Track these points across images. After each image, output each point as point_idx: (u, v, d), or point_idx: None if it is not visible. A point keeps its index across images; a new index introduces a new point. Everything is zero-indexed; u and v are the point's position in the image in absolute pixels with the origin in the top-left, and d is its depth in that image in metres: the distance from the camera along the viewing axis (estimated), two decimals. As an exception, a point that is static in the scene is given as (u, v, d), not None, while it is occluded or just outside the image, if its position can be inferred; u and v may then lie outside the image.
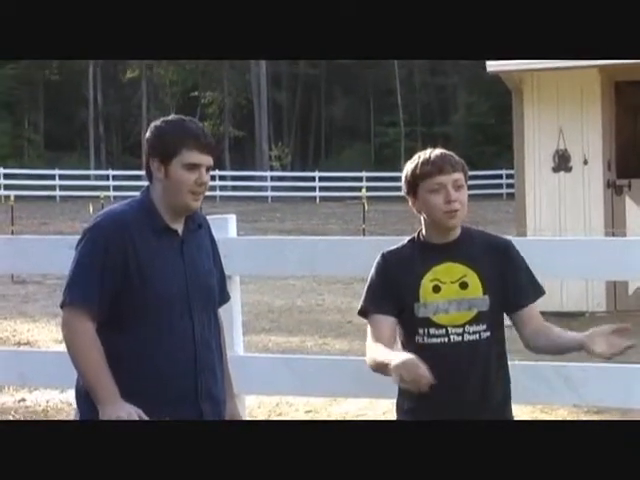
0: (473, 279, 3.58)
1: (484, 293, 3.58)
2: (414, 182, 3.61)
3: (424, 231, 3.67)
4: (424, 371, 3.20)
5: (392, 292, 3.61)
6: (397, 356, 3.31)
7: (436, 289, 3.57)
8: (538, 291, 3.69)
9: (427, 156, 3.60)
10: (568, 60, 11.11)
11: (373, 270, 3.70)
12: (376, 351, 3.51)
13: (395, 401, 3.70)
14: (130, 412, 3.33)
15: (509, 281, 3.62)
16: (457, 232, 3.64)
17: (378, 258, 3.70)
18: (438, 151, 3.62)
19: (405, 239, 3.74)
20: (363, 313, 3.69)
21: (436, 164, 3.56)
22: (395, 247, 3.73)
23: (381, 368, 3.42)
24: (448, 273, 3.58)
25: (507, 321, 3.70)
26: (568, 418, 6.77)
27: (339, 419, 7.28)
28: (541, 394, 4.33)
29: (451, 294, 3.56)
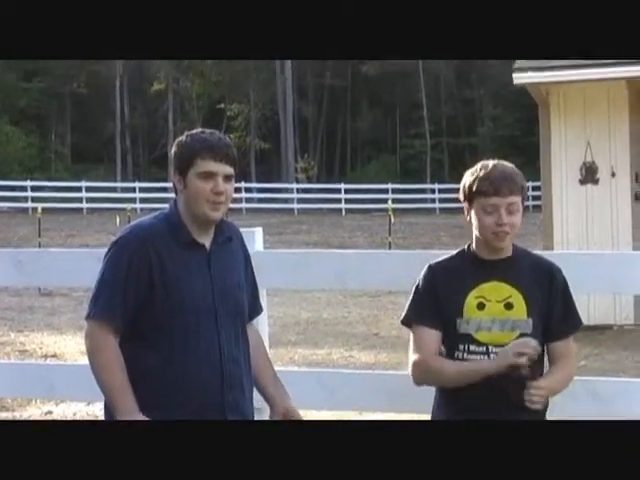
0: (518, 300, 3.56)
1: (528, 316, 3.56)
2: (470, 195, 3.58)
3: (474, 244, 3.66)
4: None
5: (437, 305, 3.59)
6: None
7: (480, 306, 3.56)
8: (568, 328, 3.67)
9: (488, 171, 3.55)
10: (589, 62, 11.06)
11: (420, 281, 3.68)
12: (448, 363, 3.55)
13: (430, 416, 3.67)
14: None
15: (548, 309, 3.60)
16: (508, 250, 3.63)
17: (425, 269, 3.68)
18: (501, 167, 3.57)
19: (453, 251, 3.73)
20: (406, 323, 3.68)
21: (494, 184, 3.51)
22: (443, 258, 3.72)
23: (470, 377, 3.46)
24: (494, 292, 3.57)
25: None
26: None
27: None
28: (569, 409, 4.29)
29: (495, 313, 3.55)
